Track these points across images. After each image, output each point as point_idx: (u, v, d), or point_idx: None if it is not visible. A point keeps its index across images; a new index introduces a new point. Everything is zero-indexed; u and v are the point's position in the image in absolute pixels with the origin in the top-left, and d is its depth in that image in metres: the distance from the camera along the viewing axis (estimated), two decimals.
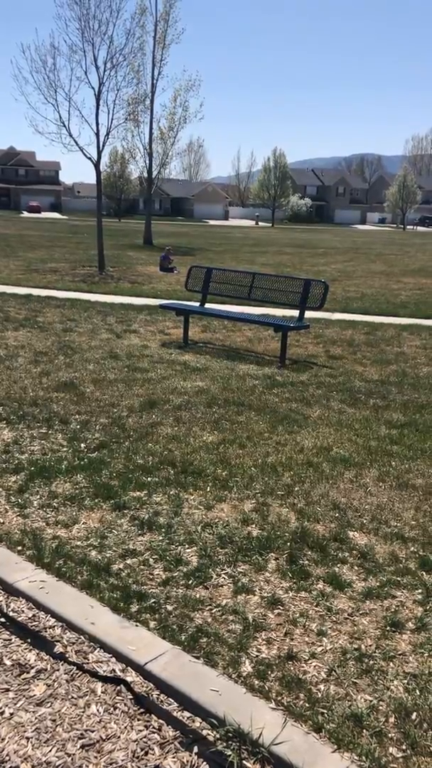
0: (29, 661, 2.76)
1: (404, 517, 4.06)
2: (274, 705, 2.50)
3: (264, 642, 2.87)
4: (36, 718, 2.46)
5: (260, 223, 77.38)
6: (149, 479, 4.44)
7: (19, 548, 3.55)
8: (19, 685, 2.63)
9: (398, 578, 3.39)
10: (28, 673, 2.70)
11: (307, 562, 3.52)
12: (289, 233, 54.04)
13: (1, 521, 3.86)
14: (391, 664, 2.77)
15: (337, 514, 4.05)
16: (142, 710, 2.51)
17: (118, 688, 2.62)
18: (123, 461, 4.72)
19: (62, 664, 2.74)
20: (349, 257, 28.46)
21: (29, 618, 3.02)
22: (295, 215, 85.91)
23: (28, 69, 18.34)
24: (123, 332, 9.64)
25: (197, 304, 9.90)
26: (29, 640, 2.88)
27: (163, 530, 3.78)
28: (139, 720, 2.47)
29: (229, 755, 2.29)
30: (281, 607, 3.12)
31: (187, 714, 2.49)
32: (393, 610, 3.14)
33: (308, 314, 8.97)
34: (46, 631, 2.94)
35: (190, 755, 2.31)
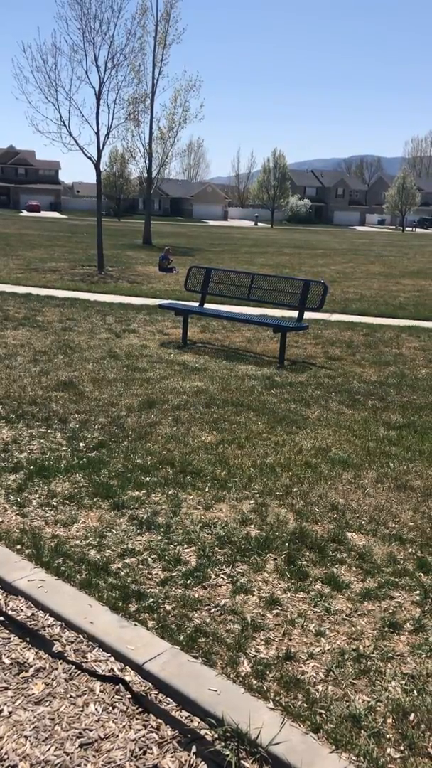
0: (28, 659, 2.77)
1: (402, 518, 4.07)
2: (273, 705, 2.51)
3: (262, 642, 2.88)
4: (35, 717, 2.46)
5: (259, 224, 77.40)
6: (148, 479, 4.45)
7: (18, 547, 3.56)
8: (17, 683, 2.63)
9: (396, 579, 3.40)
10: (26, 671, 2.70)
11: (305, 562, 3.52)
12: (288, 234, 54.07)
13: (0, 520, 3.86)
14: (389, 665, 2.77)
15: (335, 515, 4.06)
16: (140, 709, 2.52)
17: (117, 687, 2.62)
18: (122, 461, 4.73)
19: (61, 663, 2.74)
20: (348, 258, 28.48)
21: (28, 617, 3.03)
22: (295, 216, 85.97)
23: (29, 68, 18.39)
24: (122, 332, 9.64)
25: (196, 304, 9.90)
26: (28, 639, 2.89)
27: (161, 530, 3.79)
28: (137, 719, 2.47)
29: (228, 755, 2.29)
30: (280, 608, 3.13)
31: (185, 713, 2.49)
32: (391, 611, 3.14)
33: (307, 315, 8.98)
34: (44, 630, 2.94)
35: (189, 755, 2.32)
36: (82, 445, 5.01)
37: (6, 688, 2.60)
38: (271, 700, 2.53)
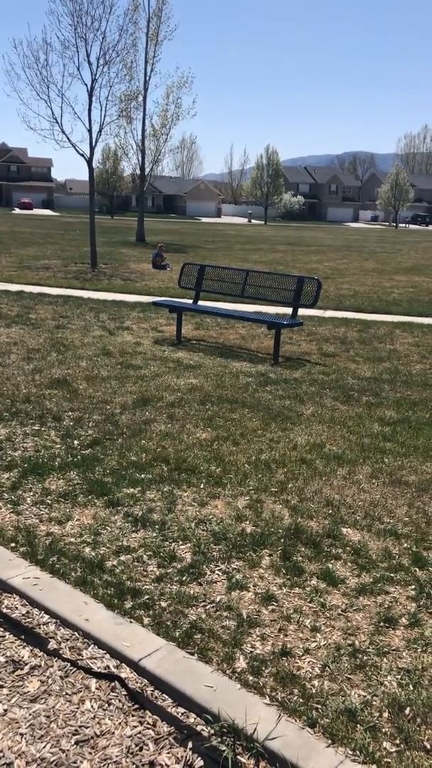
0: (23, 657, 2.76)
1: (397, 513, 4.08)
2: (269, 700, 2.51)
3: (258, 638, 2.88)
4: (30, 715, 2.46)
5: (253, 221, 77.37)
6: (143, 476, 4.44)
7: (13, 545, 3.54)
8: (13, 681, 2.62)
9: (391, 574, 3.41)
10: (22, 669, 2.69)
11: (300, 558, 3.52)
12: (281, 231, 54.07)
13: None
14: (385, 659, 2.78)
15: (330, 511, 4.06)
16: (136, 706, 2.51)
17: (113, 684, 2.62)
18: (116, 458, 4.72)
19: (56, 661, 2.74)
20: (341, 255, 28.50)
21: (23, 615, 3.02)
22: (288, 213, 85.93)
23: (20, 65, 18.26)
24: (116, 329, 9.62)
25: (190, 301, 9.88)
26: (23, 637, 2.88)
27: (156, 527, 3.78)
28: (133, 716, 2.47)
29: (224, 750, 2.29)
30: (275, 604, 3.13)
31: (181, 710, 2.49)
32: (386, 606, 3.15)
33: (301, 312, 8.97)
34: (40, 628, 2.93)
35: (185, 751, 2.32)
36: (76, 442, 4.99)
37: (1, 686, 2.59)
38: (267, 696, 2.53)
